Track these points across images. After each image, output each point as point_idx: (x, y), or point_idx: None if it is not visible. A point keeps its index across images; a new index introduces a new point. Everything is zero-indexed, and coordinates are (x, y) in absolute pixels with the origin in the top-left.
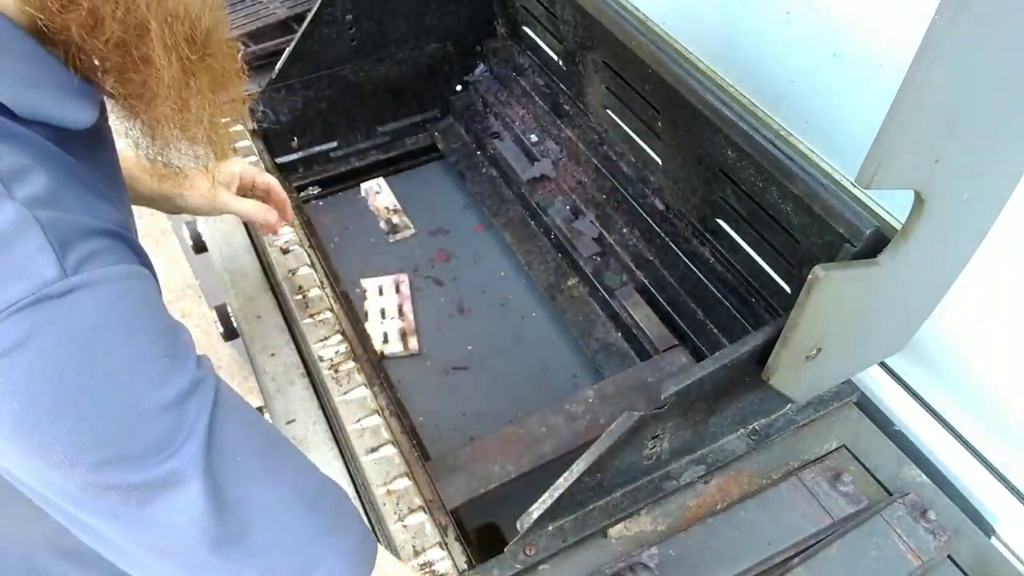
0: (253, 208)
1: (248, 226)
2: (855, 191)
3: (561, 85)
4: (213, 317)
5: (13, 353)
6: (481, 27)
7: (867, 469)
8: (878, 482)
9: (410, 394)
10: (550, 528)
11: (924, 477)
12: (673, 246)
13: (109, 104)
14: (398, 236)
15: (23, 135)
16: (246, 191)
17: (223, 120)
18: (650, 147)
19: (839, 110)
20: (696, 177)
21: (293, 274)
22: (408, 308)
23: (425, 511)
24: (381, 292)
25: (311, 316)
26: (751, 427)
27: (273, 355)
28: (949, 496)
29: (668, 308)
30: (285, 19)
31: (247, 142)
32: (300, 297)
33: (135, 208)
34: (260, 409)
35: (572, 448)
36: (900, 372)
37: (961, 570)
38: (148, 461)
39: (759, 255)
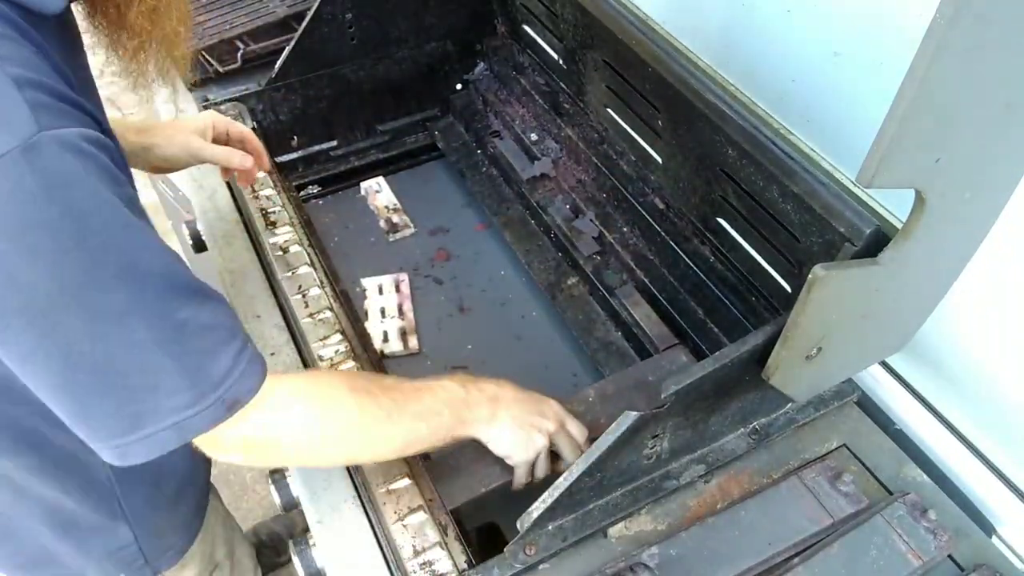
0: (228, 153)
1: (247, 225)
2: (856, 190)
3: (561, 84)
4: None
5: None
6: (481, 26)
7: (867, 468)
8: (878, 481)
9: None
10: (550, 528)
11: (924, 476)
12: (673, 245)
13: (82, 15)
14: (398, 235)
15: None
16: (220, 142)
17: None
18: (650, 146)
19: (840, 109)
20: (696, 176)
21: (293, 273)
22: (408, 307)
23: (425, 511)
24: (381, 291)
25: (311, 315)
26: (751, 426)
27: (273, 354)
28: (950, 495)
29: (668, 307)
30: (285, 18)
31: None
32: (300, 296)
33: None
34: None
35: None
36: (901, 371)
37: (961, 570)
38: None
39: (759, 254)
